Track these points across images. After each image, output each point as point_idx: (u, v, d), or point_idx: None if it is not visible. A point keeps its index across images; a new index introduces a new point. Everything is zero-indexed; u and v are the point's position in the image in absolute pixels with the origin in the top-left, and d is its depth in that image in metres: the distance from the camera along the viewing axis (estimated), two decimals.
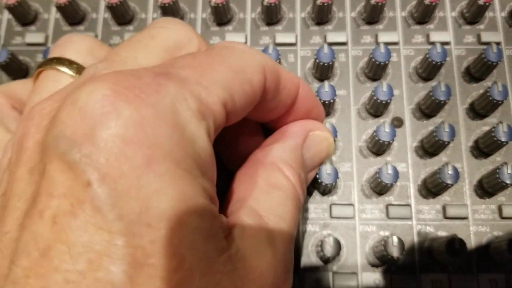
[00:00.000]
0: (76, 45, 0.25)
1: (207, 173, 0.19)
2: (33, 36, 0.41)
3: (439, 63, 0.36)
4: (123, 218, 0.15)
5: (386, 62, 0.36)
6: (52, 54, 0.25)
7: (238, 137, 0.28)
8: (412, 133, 0.37)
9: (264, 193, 0.23)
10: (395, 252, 0.32)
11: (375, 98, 0.35)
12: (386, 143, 0.34)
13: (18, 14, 0.41)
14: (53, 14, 0.42)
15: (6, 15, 0.42)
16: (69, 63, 0.24)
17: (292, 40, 0.40)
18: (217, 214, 0.19)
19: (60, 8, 0.40)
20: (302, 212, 0.36)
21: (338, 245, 0.33)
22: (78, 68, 0.24)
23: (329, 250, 0.32)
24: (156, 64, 0.21)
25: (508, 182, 0.33)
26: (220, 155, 0.29)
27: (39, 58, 0.41)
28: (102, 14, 0.42)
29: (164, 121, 0.17)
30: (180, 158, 0.17)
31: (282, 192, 0.23)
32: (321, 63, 0.36)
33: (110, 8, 0.39)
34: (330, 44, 0.40)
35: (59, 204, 0.15)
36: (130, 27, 0.42)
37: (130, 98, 0.17)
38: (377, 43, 0.40)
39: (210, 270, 0.17)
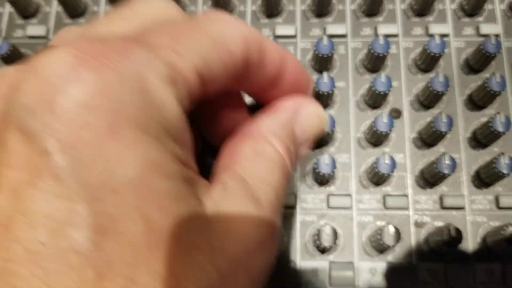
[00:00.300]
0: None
1: (179, 139, 0.18)
2: (34, 28, 0.42)
3: (437, 55, 0.36)
4: (85, 186, 0.15)
5: (385, 54, 0.36)
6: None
7: (222, 112, 0.27)
8: (410, 124, 0.38)
9: (251, 160, 0.22)
10: (391, 241, 0.32)
11: (373, 89, 0.36)
12: (384, 133, 0.35)
13: (19, 7, 0.41)
14: (55, 7, 0.43)
15: (8, 8, 0.43)
16: None
17: (292, 33, 0.40)
18: (193, 177, 0.19)
19: (61, 0, 0.40)
20: (299, 202, 0.36)
21: (334, 234, 0.33)
22: None
23: (326, 239, 0.33)
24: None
25: (505, 172, 0.34)
26: (204, 132, 0.29)
27: None
28: (103, 7, 0.43)
29: (129, 87, 0.16)
30: (146, 124, 0.16)
31: (269, 161, 0.23)
32: (320, 55, 0.37)
33: (111, 0, 0.40)
34: (330, 36, 0.40)
35: (18, 175, 0.15)
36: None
37: (94, 64, 0.16)
38: (377, 35, 0.40)
39: (183, 232, 0.16)
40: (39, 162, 0.15)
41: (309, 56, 0.40)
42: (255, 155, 0.23)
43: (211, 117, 0.27)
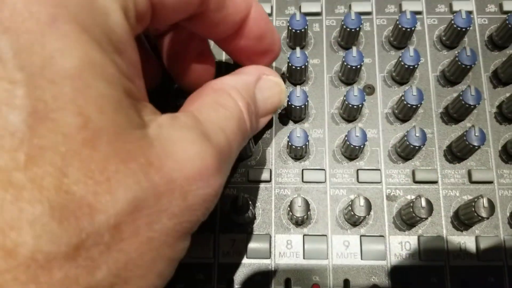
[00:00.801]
0: None
1: (123, 52, 0.18)
2: None
3: (409, 29, 0.37)
4: (25, 69, 0.15)
5: (357, 29, 0.37)
6: None
7: (187, 53, 0.27)
8: (383, 100, 0.38)
9: (209, 107, 0.22)
10: (362, 212, 0.32)
11: (345, 64, 0.36)
12: (355, 107, 0.35)
13: None
14: None
15: None
16: None
17: (268, 11, 0.41)
18: (137, 96, 0.19)
19: None
20: (274, 177, 0.36)
21: (307, 205, 0.33)
22: None
23: (298, 210, 0.33)
24: None
25: (475, 144, 0.34)
26: (170, 69, 0.28)
27: None
28: None
29: None
30: (87, 25, 0.16)
31: (227, 111, 0.23)
32: (294, 31, 0.37)
33: None
34: (305, 14, 0.40)
35: None
36: None
37: None
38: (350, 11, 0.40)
39: (119, 138, 0.16)
40: None
41: (284, 34, 0.40)
42: (214, 103, 0.23)
43: (176, 55, 0.27)
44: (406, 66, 0.36)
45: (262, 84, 0.27)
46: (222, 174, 0.21)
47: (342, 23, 0.37)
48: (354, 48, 0.36)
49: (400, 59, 0.36)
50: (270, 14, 0.41)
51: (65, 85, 0.15)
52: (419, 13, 0.40)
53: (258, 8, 0.27)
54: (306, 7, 0.41)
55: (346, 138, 0.34)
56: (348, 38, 0.38)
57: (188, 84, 0.29)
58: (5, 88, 0.14)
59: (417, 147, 0.34)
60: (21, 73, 0.15)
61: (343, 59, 0.36)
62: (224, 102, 0.23)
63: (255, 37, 0.27)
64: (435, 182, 0.36)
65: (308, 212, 0.33)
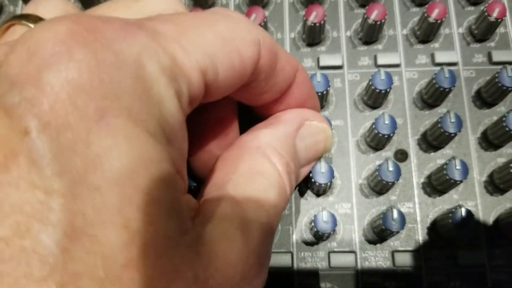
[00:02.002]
0: (51, 3, 0.22)
1: (175, 142, 0.16)
2: None
3: (447, 89, 0.32)
4: (64, 176, 0.12)
5: (387, 90, 0.32)
6: (25, 11, 0.22)
7: (209, 119, 0.24)
8: (418, 167, 0.33)
9: (245, 178, 0.20)
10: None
11: (376, 132, 0.31)
12: (389, 183, 0.30)
13: None
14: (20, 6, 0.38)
15: None
16: (40, 19, 0.21)
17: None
18: (184, 190, 0.17)
19: None
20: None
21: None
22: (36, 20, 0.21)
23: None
24: None
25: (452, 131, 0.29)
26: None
27: None
28: None
29: (125, 71, 0.14)
30: (141, 117, 0.14)
31: (265, 179, 0.20)
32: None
33: None
34: (323, 68, 0.35)
35: None
36: None
37: (89, 40, 0.14)
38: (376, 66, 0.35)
39: (167, 252, 0.14)
40: (16, 142, 0.13)
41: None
42: (251, 173, 0.20)
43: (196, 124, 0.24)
44: (445, 132, 0.31)
45: (304, 132, 0.24)
46: (264, 267, 0.19)
47: (370, 82, 0.32)
48: (386, 114, 0.31)
49: (440, 124, 0.31)
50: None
51: (110, 191, 0.13)
52: (455, 64, 0.35)
53: (302, 72, 0.24)
54: (326, 60, 0.36)
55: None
56: (377, 98, 0.33)
57: (201, 154, 0.25)
58: (40, 200, 0.12)
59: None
60: (59, 180, 0.13)
61: (373, 126, 0.31)
62: (261, 168, 0.21)
63: (297, 103, 0.24)
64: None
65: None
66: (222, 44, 0.18)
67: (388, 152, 0.34)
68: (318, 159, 0.27)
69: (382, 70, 0.32)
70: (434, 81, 0.32)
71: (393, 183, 0.31)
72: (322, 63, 0.36)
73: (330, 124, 0.29)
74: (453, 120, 0.31)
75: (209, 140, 0.24)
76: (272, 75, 0.22)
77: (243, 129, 0.25)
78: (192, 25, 0.18)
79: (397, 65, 0.36)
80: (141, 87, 0.15)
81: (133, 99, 0.14)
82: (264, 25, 0.34)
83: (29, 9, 0.22)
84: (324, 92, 0.32)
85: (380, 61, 0.36)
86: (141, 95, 0.15)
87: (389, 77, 0.32)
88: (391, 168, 0.30)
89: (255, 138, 0.23)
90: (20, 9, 0.38)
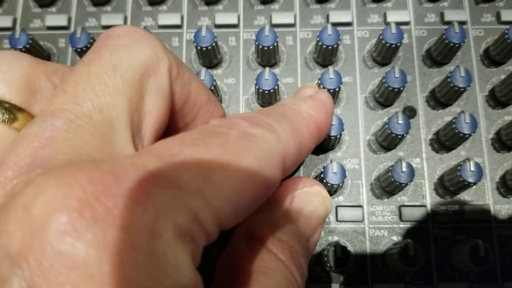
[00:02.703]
0: (6, 75, 0.18)
1: None
2: (54, 18, 0.36)
3: (457, 45, 0.32)
4: None
5: (399, 44, 0.32)
6: None
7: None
8: (426, 124, 0.33)
9: (251, 284, 0.18)
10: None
11: (386, 85, 0.31)
12: (399, 136, 0.30)
13: None
14: None
15: None
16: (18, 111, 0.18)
17: (291, 21, 0.36)
18: None
19: None
20: None
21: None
22: (11, 110, 0.18)
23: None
24: (158, 143, 0.16)
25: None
26: None
27: (62, 43, 0.36)
28: None
29: (138, 249, 0.13)
30: None
31: (271, 280, 0.19)
32: (325, 46, 0.32)
33: None
34: (334, 24, 0.35)
35: None
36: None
37: (99, 214, 0.13)
38: (386, 23, 0.35)
39: None
40: None
41: (311, 47, 0.35)
42: (256, 274, 0.19)
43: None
44: (454, 86, 0.31)
45: (298, 203, 0.23)
46: None
47: (381, 37, 0.32)
48: (396, 68, 0.31)
49: (449, 79, 0.31)
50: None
51: None
52: (464, 23, 0.35)
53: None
54: (335, 17, 0.35)
55: (390, 174, 0.30)
56: (386, 53, 0.33)
57: None
58: None
59: (471, 184, 0.29)
60: None
61: (383, 80, 0.31)
62: (265, 266, 0.19)
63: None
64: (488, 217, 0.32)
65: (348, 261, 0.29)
66: (248, 183, 0.16)
67: (396, 108, 0.34)
68: (322, 224, 0.25)
69: (393, 24, 0.32)
70: (444, 37, 0.32)
71: (402, 137, 0.31)
72: (332, 19, 0.35)
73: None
74: (462, 74, 0.31)
75: None
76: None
77: None
78: (219, 166, 0.16)
79: (407, 23, 0.35)
80: (153, 261, 0.13)
81: (146, 278, 0.13)
82: None
83: None
84: (335, 46, 0.32)
85: (390, 18, 0.35)
86: (154, 272, 0.13)
87: (399, 31, 0.32)
88: (400, 121, 0.30)
89: (252, 226, 0.21)
90: None
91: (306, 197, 0.23)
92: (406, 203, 0.32)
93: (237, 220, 0.17)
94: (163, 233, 0.14)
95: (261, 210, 0.21)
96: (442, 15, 0.36)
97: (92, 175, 0.13)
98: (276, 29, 0.35)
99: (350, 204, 0.32)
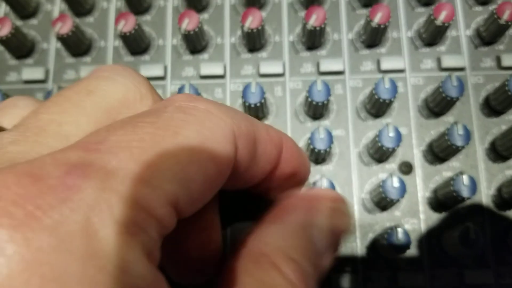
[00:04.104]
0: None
1: None
2: (30, 71, 0.35)
3: (454, 99, 0.30)
4: None
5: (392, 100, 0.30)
6: None
7: (189, 236, 0.20)
8: (424, 181, 0.32)
9: None
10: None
11: (380, 145, 0.29)
12: (394, 200, 0.29)
13: (12, 45, 0.34)
14: (54, 44, 0.36)
15: None
16: None
17: (280, 70, 0.34)
18: None
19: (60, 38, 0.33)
20: None
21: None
22: None
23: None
24: (83, 137, 0.15)
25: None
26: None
27: (40, 97, 0.34)
28: (112, 42, 0.35)
29: (71, 254, 0.11)
30: None
31: None
32: (314, 102, 0.30)
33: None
34: (325, 73, 0.33)
35: None
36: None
37: (19, 219, 0.11)
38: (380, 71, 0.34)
39: None
40: None
41: (301, 98, 0.34)
42: None
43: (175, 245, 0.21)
44: (452, 145, 0.29)
45: (317, 217, 0.21)
46: None
47: (374, 91, 0.30)
48: (390, 126, 0.29)
49: (447, 136, 0.29)
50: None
51: None
52: (462, 69, 0.34)
53: (289, 144, 0.20)
54: (326, 65, 0.34)
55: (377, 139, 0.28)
56: (380, 107, 0.31)
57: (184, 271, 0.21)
58: None
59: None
60: None
61: (377, 138, 0.30)
62: (272, 285, 0.17)
63: (286, 177, 0.21)
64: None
65: None
66: (192, 156, 0.15)
67: (392, 164, 0.32)
68: (339, 242, 0.23)
69: (387, 78, 0.30)
70: (441, 90, 0.30)
71: (398, 200, 0.29)
72: (322, 69, 0.34)
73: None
74: (461, 132, 0.29)
75: (187, 250, 0.20)
76: (253, 162, 0.18)
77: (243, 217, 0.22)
78: (152, 144, 0.14)
79: (402, 71, 0.34)
80: (94, 266, 0.12)
81: (86, 285, 0.12)
82: (261, 28, 0.32)
83: None
84: (325, 102, 0.30)
85: (384, 66, 0.34)
86: (95, 278, 0.12)
87: (393, 85, 0.30)
88: (396, 185, 0.29)
89: (259, 241, 0.19)
90: (111, 45, 0.36)
91: (327, 211, 0.20)
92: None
93: (194, 201, 0.15)
94: (100, 230, 0.12)
95: (271, 223, 0.20)
96: (439, 60, 0.34)
97: (5, 178, 0.12)
98: (264, 79, 0.34)
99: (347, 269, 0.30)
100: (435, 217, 0.31)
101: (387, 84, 0.30)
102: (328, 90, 0.30)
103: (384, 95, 0.30)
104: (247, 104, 0.31)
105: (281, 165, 0.20)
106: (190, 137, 0.15)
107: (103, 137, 0.14)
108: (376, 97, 0.30)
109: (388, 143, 0.29)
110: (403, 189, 0.29)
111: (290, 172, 0.21)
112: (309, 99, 0.31)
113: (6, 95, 0.32)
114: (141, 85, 0.18)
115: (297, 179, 0.23)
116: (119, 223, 0.12)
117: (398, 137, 0.29)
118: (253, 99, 0.31)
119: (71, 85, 0.18)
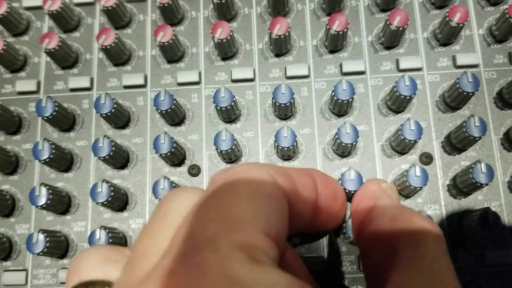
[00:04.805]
0: (88, 262, 0.22)
1: None
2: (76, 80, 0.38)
3: (471, 93, 0.33)
4: None
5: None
6: (70, 283, 0.22)
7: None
8: (443, 170, 0.34)
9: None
10: None
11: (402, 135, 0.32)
12: (418, 189, 0.31)
13: (5, 60, 0.38)
14: (44, 58, 0.39)
15: None
16: (91, 284, 0.21)
17: (305, 72, 0.37)
18: None
19: (49, 53, 0.37)
20: None
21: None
22: (103, 285, 0.21)
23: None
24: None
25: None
26: None
27: (32, 108, 0.38)
28: (96, 55, 0.39)
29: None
30: None
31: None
32: (340, 100, 0.33)
33: (104, 50, 0.36)
34: (348, 73, 0.36)
35: None
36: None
37: None
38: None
39: None
40: None
41: (326, 98, 0.36)
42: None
43: None
44: (470, 136, 0.32)
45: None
46: None
47: (394, 89, 0.33)
48: (412, 121, 0.32)
49: (464, 128, 0.32)
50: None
51: None
52: (476, 65, 0.36)
53: (317, 172, 0.26)
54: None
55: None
56: (401, 103, 0.34)
57: None
58: None
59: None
60: None
61: (399, 132, 0.32)
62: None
63: (330, 202, 0.26)
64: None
65: None
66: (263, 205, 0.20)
67: (413, 155, 0.35)
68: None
69: (407, 76, 0.33)
70: (457, 86, 0.33)
71: (420, 188, 0.31)
72: (345, 69, 0.36)
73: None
74: (477, 124, 0.32)
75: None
76: (298, 196, 0.23)
77: None
78: (228, 206, 0.19)
79: (419, 69, 0.36)
80: None
81: None
82: (288, 34, 0.35)
83: (72, 280, 0.22)
84: (350, 100, 0.33)
85: (403, 65, 0.36)
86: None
87: (413, 83, 0.33)
88: (418, 174, 0.31)
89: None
90: (149, 54, 0.39)
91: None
92: None
93: (281, 235, 0.20)
94: (238, 272, 0.16)
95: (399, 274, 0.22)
96: (454, 58, 0.36)
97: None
98: (291, 81, 0.37)
99: None
100: (455, 203, 0.33)
101: (407, 82, 0.33)
102: (352, 89, 0.33)
103: (405, 92, 0.33)
104: (277, 104, 0.33)
105: (320, 192, 0.25)
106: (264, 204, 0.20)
107: (192, 222, 0.18)
108: (397, 94, 0.33)
109: (410, 136, 0.32)
110: (425, 177, 0.31)
111: (331, 195, 0.26)
112: (335, 98, 0.33)
113: (1, 106, 0.35)
114: (195, 194, 0.22)
115: (339, 201, 0.28)
116: (245, 261, 0.17)
117: (419, 130, 0.32)
118: (284, 99, 0.33)
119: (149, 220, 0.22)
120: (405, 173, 0.32)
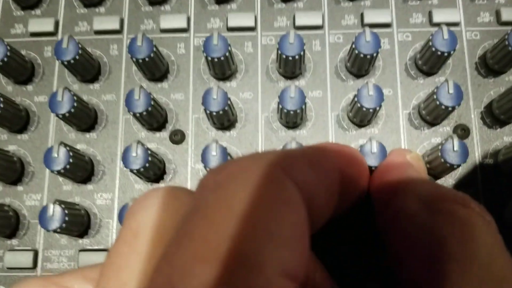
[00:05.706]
0: None
1: None
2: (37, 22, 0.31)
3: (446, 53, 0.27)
4: None
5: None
6: None
7: None
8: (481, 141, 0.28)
9: None
10: None
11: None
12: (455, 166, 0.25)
13: None
14: None
15: None
16: None
17: (319, 22, 0.30)
18: None
19: None
20: None
21: None
22: None
23: None
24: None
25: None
26: None
27: (48, 52, 0.31)
28: None
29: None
30: None
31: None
32: (362, 55, 0.27)
33: None
34: (370, 25, 0.30)
35: None
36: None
37: None
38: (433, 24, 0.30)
39: None
40: None
41: (342, 54, 0.30)
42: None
43: None
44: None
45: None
46: None
47: (430, 43, 0.27)
48: (450, 82, 0.25)
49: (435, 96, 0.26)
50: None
51: None
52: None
53: (344, 157, 0.19)
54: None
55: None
56: (436, 62, 0.28)
57: None
58: None
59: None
60: None
61: (435, 96, 0.26)
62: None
63: (349, 194, 0.19)
64: None
65: None
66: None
67: (446, 127, 0.28)
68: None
69: (445, 28, 0.27)
70: (506, 43, 0.26)
71: (459, 166, 0.25)
72: (367, 20, 0.30)
73: None
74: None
75: None
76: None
77: None
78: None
79: (457, 24, 0.30)
80: None
81: None
82: None
83: None
84: (374, 55, 0.27)
85: (437, 18, 0.30)
86: None
87: (453, 36, 0.27)
88: (456, 148, 0.25)
89: None
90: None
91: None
92: None
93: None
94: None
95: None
96: (498, 13, 0.30)
97: None
98: (301, 32, 0.30)
99: None
100: (496, 185, 0.27)
101: (446, 35, 0.26)
102: (378, 41, 0.27)
103: (443, 47, 0.26)
104: (283, 56, 0.27)
105: (343, 177, 0.18)
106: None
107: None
108: (432, 49, 0.27)
109: (448, 102, 0.26)
110: (465, 153, 0.25)
111: (356, 174, 0.19)
112: (356, 52, 0.27)
113: (11, 49, 0.28)
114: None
115: (363, 179, 0.21)
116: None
117: (459, 94, 0.26)
118: (292, 51, 0.27)
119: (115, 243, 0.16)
120: (439, 147, 0.25)
